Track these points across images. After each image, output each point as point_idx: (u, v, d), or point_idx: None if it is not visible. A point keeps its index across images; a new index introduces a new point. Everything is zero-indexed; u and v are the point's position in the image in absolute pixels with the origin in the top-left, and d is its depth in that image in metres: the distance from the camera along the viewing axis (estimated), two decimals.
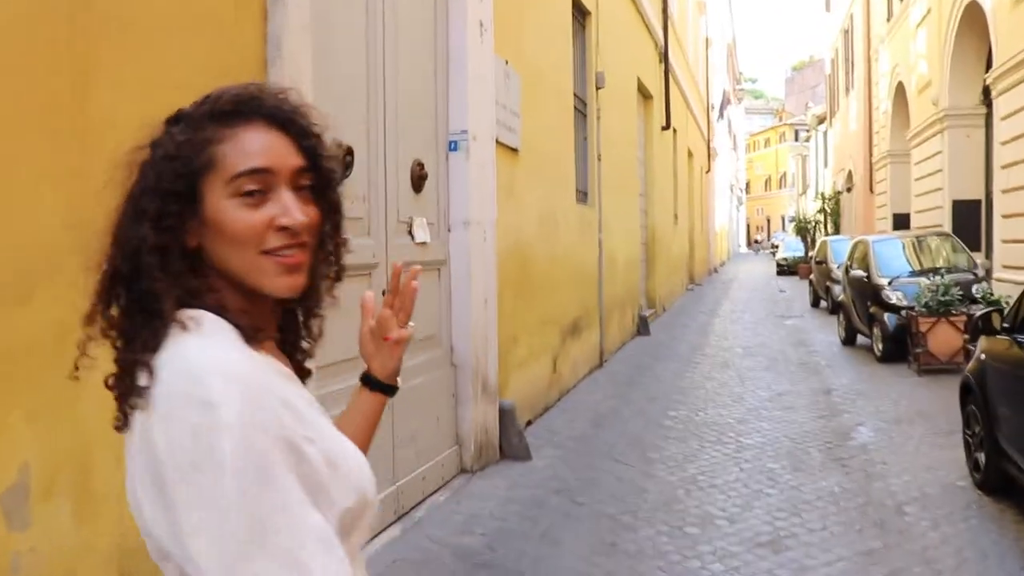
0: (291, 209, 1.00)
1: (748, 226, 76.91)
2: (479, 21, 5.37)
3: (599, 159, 9.66)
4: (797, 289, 22.21)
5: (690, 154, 23.86)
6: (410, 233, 4.74)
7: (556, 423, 6.91)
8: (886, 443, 6.15)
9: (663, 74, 16.09)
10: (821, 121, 35.18)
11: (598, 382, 8.83)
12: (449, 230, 5.30)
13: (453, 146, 5.27)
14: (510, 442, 5.76)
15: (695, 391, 8.38)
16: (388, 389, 1.31)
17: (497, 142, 5.79)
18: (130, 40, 2.54)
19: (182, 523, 0.88)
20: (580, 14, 9.21)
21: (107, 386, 0.97)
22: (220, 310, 0.99)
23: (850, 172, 26.26)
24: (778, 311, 17.14)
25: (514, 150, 6.31)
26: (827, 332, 12.96)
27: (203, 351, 0.93)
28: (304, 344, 1.16)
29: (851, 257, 12.11)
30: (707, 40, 30.73)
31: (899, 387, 8.28)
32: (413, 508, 4.60)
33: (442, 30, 5.18)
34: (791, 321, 15.12)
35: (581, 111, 9.34)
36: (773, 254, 39.23)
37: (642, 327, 12.66)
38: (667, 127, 16.38)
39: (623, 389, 8.44)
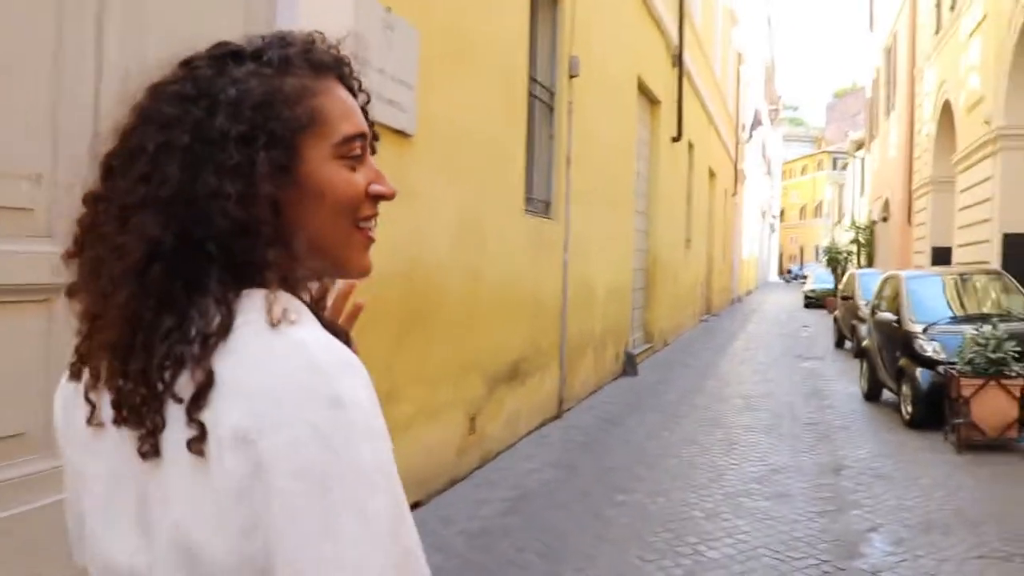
0: (384, 177, 0.85)
1: (781, 255, 74.39)
2: None
3: (569, 163, 7.88)
4: (822, 325, 20.14)
5: (712, 174, 21.95)
6: None
7: (458, 506, 5.12)
8: (909, 568, 4.27)
9: (677, 78, 14.29)
10: (860, 147, 33.06)
11: (547, 441, 7.02)
12: None
13: None
14: None
15: (665, 461, 6.52)
16: None
17: None
18: None
19: (293, 550, 0.66)
20: None
21: (115, 399, 0.74)
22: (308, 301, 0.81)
23: (887, 201, 24.17)
24: (797, 350, 15.17)
25: (400, 133, 4.56)
26: (848, 380, 11.00)
27: (320, 341, 0.72)
28: None
29: (879, 295, 10.16)
30: (739, 55, 28.85)
31: (932, 469, 6.36)
32: None
33: None
34: (809, 363, 13.17)
35: (545, 102, 7.58)
36: (803, 285, 37.09)
37: (628, 367, 10.82)
38: (678, 139, 14.55)
39: (573, 454, 6.61)
